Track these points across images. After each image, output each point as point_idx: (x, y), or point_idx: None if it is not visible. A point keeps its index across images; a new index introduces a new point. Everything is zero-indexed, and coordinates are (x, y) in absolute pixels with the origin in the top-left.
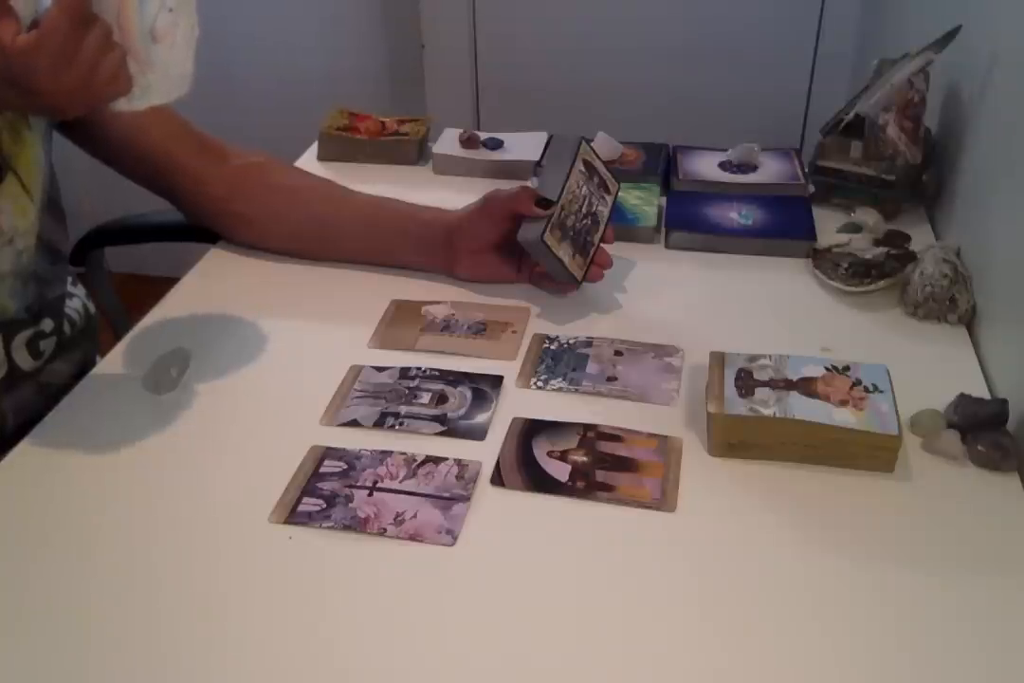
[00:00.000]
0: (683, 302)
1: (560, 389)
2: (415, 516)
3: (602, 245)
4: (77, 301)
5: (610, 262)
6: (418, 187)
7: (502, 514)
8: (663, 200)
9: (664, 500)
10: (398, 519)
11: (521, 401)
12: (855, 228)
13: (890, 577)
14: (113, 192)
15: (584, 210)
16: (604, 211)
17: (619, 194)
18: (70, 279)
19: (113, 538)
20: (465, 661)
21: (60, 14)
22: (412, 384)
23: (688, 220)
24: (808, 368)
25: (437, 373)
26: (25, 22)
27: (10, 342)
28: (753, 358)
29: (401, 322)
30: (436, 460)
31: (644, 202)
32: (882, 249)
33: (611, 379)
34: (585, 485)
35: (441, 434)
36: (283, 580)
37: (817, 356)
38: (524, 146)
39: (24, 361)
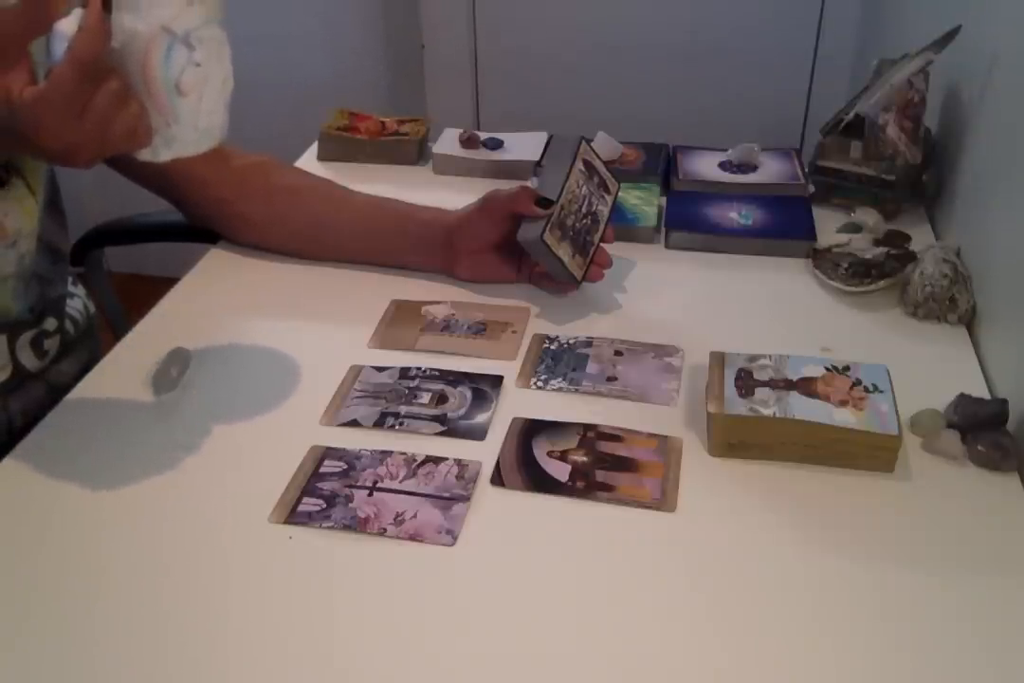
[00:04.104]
0: (683, 302)
1: (560, 389)
2: (415, 516)
3: (602, 245)
4: (78, 301)
5: (610, 262)
6: (418, 187)
7: (502, 514)
8: (663, 200)
9: (664, 500)
10: (398, 519)
11: (521, 401)
12: (855, 228)
13: (890, 577)
14: (113, 192)
15: (584, 210)
16: (604, 211)
17: (619, 194)
18: (70, 279)
19: (113, 537)
20: (465, 661)
21: (68, 68)
22: (412, 384)
23: (688, 220)
24: (808, 368)
25: (437, 373)
26: (42, 71)
27: (14, 343)
28: (753, 358)
29: (401, 322)
30: (436, 460)
31: (644, 202)
32: (882, 249)
33: (611, 379)
34: (585, 485)
35: (441, 434)
36: (283, 580)
37: (817, 356)
38: (524, 146)
39: (29, 361)
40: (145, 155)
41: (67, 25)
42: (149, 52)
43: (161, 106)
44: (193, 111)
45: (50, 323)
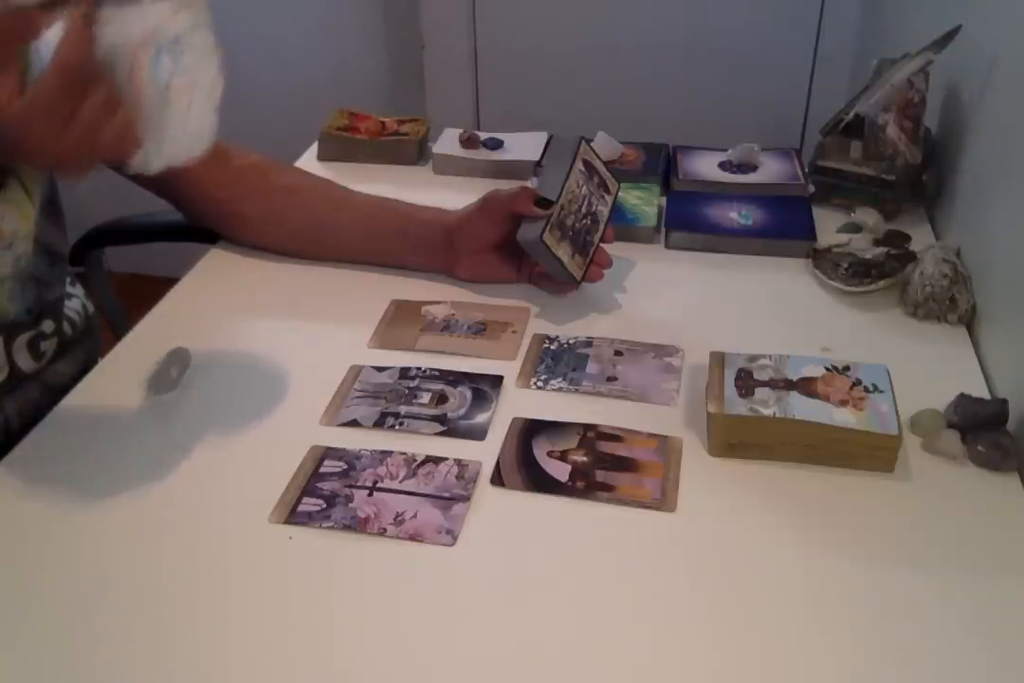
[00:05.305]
0: (683, 302)
1: (560, 389)
2: (415, 516)
3: (602, 245)
4: (76, 301)
5: (610, 262)
6: (418, 187)
7: (502, 514)
8: (663, 200)
9: (664, 500)
10: (398, 519)
11: (521, 401)
12: (855, 228)
13: (890, 577)
14: (113, 192)
15: (584, 210)
16: (604, 211)
17: (619, 194)
18: (68, 279)
19: (113, 538)
20: (465, 661)
21: (53, 76)
22: (412, 384)
23: (688, 220)
24: (808, 368)
25: (437, 373)
26: (31, 79)
27: (11, 344)
28: (753, 358)
29: (401, 322)
30: (436, 460)
31: (644, 202)
32: (882, 249)
33: (611, 379)
34: (585, 485)
35: (441, 434)
36: (283, 580)
37: (817, 356)
38: (524, 146)
39: (25, 363)
40: (135, 163)
41: (52, 33)
42: (136, 59)
43: (150, 113)
44: (183, 117)
45: (47, 325)
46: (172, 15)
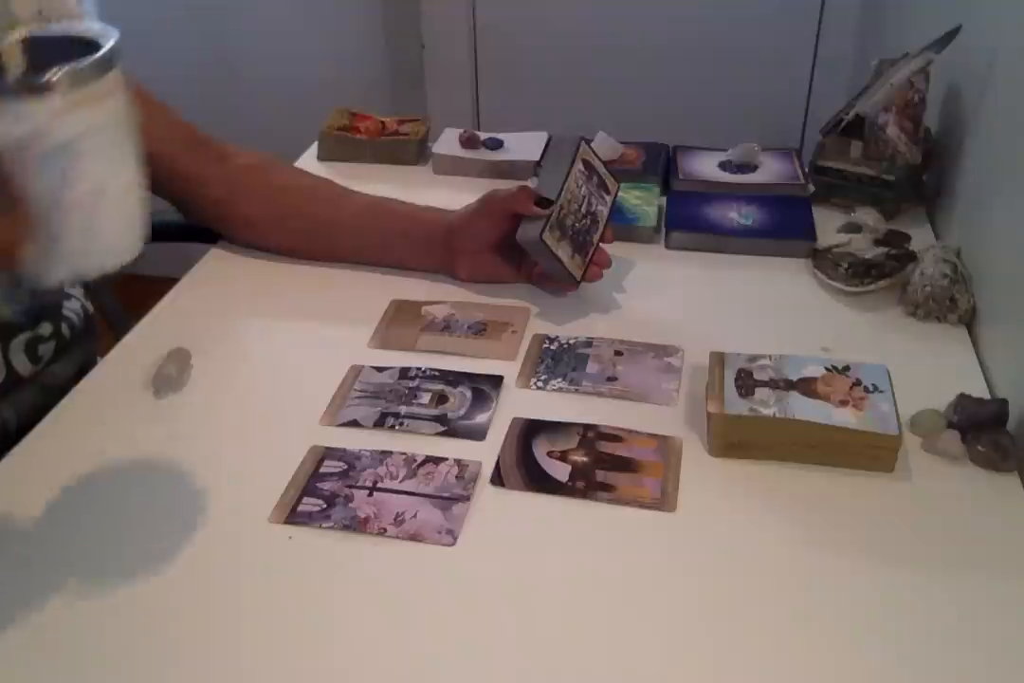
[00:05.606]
0: (683, 302)
1: (560, 389)
2: (415, 516)
3: (601, 245)
4: (75, 302)
5: (609, 262)
6: (418, 187)
7: (502, 514)
8: (663, 200)
9: (664, 500)
10: (398, 519)
11: (521, 401)
12: (855, 228)
13: (890, 577)
14: None
15: (583, 210)
16: (603, 211)
17: (619, 194)
18: None
19: (112, 538)
20: (465, 661)
21: None
22: (412, 384)
23: (688, 220)
24: (808, 368)
25: (437, 373)
26: None
27: (7, 346)
28: (753, 358)
29: (401, 322)
30: (436, 460)
31: (644, 202)
32: (882, 249)
33: (611, 379)
34: (585, 485)
35: (441, 434)
36: (283, 580)
37: (817, 356)
38: (524, 146)
39: (22, 366)
40: (32, 273)
41: None
42: (20, 166)
43: (42, 223)
44: (85, 228)
45: (45, 328)
46: (64, 114)
